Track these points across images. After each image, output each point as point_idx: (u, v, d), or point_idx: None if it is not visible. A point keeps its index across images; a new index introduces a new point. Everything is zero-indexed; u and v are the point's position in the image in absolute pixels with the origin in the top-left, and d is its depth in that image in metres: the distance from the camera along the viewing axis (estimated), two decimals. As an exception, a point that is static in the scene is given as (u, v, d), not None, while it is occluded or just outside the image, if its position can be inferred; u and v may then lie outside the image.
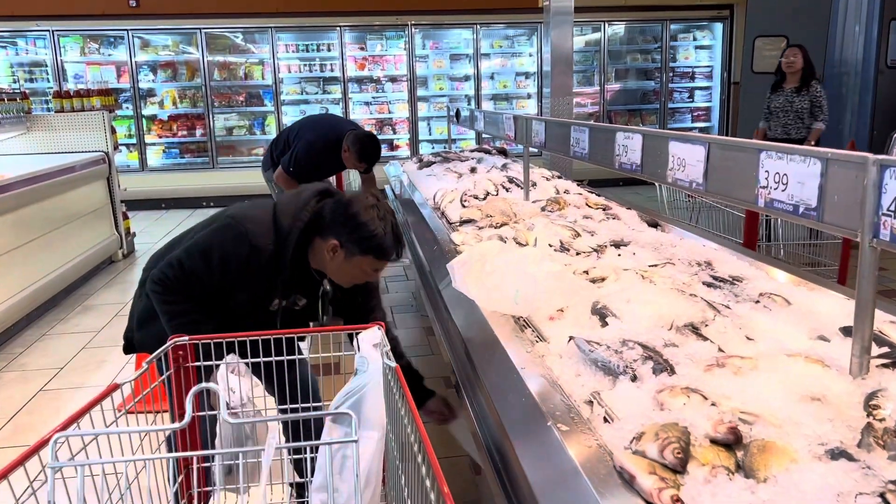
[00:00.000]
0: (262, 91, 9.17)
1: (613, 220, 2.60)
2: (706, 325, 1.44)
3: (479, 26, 9.26)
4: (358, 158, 4.04)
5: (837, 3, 8.16)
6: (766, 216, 4.38)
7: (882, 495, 0.85)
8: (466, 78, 9.55)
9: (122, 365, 3.75)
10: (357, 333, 1.38)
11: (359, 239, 1.83)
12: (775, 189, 1.29)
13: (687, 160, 1.62)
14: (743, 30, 9.27)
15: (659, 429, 1.02)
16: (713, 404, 1.09)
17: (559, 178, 3.64)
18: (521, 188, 3.18)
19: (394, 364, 1.29)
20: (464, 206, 2.93)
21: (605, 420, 1.15)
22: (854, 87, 8.24)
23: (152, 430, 1.05)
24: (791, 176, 1.25)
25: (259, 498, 1.08)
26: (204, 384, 1.02)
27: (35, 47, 8.78)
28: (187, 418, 0.98)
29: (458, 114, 5.46)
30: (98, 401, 1.10)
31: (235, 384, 1.45)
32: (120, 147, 6.83)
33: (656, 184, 4.13)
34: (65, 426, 0.99)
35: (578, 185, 3.45)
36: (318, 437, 1.92)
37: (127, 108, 8.81)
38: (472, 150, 5.04)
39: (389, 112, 9.49)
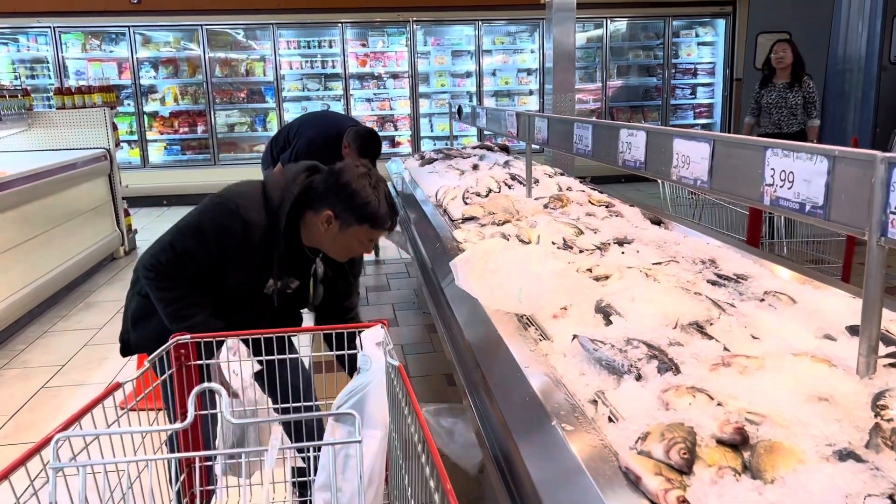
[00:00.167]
0: (264, 88, 9.17)
1: (616, 218, 2.59)
2: (711, 324, 1.43)
3: (480, 23, 9.24)
4: (359, 155, 4.02)
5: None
6: (769, 214, 4.37)
7: (891, 497, 0.84)
8: (468, 74, 9.53)
9: (123, 362, 3.74)
10: (360, 332, 1.38)
11: (353, 208, 1.81)
12: (781, 187, 1.28)
13: (691, 157, 1.61)
14: (745, 26, 9.27)
15: (664, 429, 1.01)
16: (719, 404, 1.08)
17: (562, 175, 3.63)
18: (524, 185, 3.17)
19: (397, 363, 1.28)
20: (466, 204, 2.92)
21: (610, 420, 1.14)
22: (857, 83, 8.22)
23: (154, 430, 1.04)
24: (797, 174, 1.24)
25: (262, 497, 1.08)
26: (206, 384, 1.01)
27: (36, 44, 8.78)
28: (189, 418, 0.98)
29: (459, 110, 5.44)
30: (100, 400, 1.09)
31: (237, 367, 1.45)
32: (121, 144, 6.83)
33: (659, 181, 4.11)
34: (66, 426, 0.99)
35: (581, 181, 3.44)
36: (317, 434, 1.92)
37: (128, 104, 8.81)
38: (474, 147, 5.04)
39: (391, 109, 9.48)
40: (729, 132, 7.97)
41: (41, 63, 8.80)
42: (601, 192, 3.08)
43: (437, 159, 4.44)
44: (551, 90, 5.81)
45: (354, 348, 1.58)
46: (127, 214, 6.38)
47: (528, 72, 9.67)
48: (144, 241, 6.54)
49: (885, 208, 1.05)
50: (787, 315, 1.50)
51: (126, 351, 2.06)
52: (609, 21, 9.55)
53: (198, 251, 1.82)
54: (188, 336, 1.41)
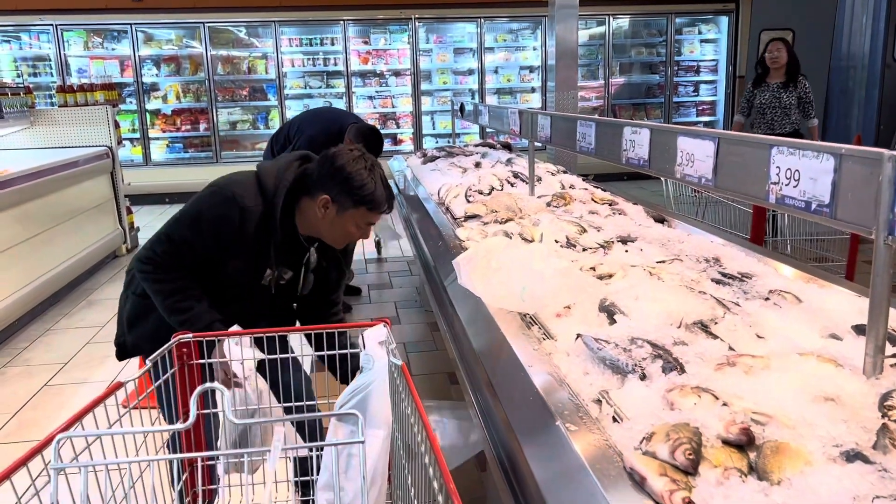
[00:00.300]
0: (266, 85, 9.16)
1: (620, 216, 2.58)
2: (716, 323, 1.42)
3: (483, 20, 9.23)
4: None
5: (844, -4, 8.12)
6: (772, 212, 4.35)
7: (899, 499, 0.83)
8: (470, 72, 9.52)
9: (125, 361, 3.74)
10: (363, 331, 1.37)
11: (349, 190, 1.80)
12: (787, 185, 1.27)
13: (696, 155, 1.60)
14: (748, 23, 9.24)
15: (670, 429, 1.01)
16: (724, 404, 1.07)
17: (564, 172, 3.62)
18: (527, 183, 3.16)
19: (399, 362, 1.28)
20: (468, 202, 2.91)
21: (615, 420, 1.13)
22: (861, 80, 8.20)
23: (156, 430, 1.04)
24: (803, 172, 1.23)
25: (264, 497, 1.07)
26: (208, 384, 1.01)
27: (39, 42, 8.77)
28: (192, 418, 0.97)
29: (462, 108, 5.43)
30: (101, 400, 1.09)
31: (239, 354, 1.45)
32: (123, 142, 6.83)
33: (662, 178, 4.11)
34: (67, 426, 0.98)
35: (584, 179, 3.43)
36: (318, 432, 1.92)
37: (130, 102, 8.81)
38: (476, 145, 5.02)
39: (393, 106, 9.47)
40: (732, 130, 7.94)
41: (43, 61, 8.80)
42: (604, 190, 3.07)
43: (439, 157, 4.43)
44: (554, 87, 5.79)
45: (344, 348, 1.59)
46: (129, 212, 6.38)
47: (531, 69, 9.65)
48: (146, 239, 6.53)
49: (893, 207, 1.04)
50: (792, 314, 1.49)
51: (123, 354, 2.04)
52: (611, 18, 9.53)
53: (195, 241, 1.81)
54: (190, 335, 1.40)
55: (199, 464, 1.42)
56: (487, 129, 5.75)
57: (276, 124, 8.96)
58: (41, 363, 3.87)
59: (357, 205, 1.82)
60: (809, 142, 1.24)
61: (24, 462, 0.89)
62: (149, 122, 8.97)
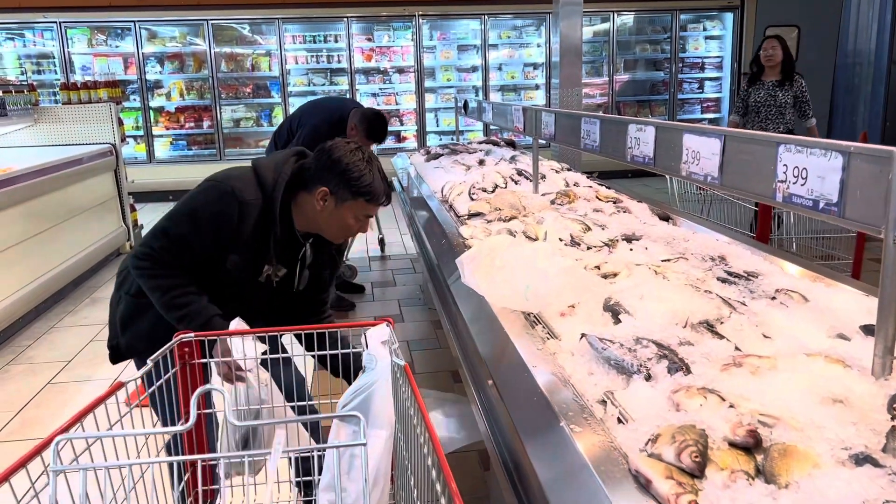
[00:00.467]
0: (270, 82, 9.16)
1: (624, 214, 2.57)
2: (722, 323, 1.41)
3: (486, 17, 9.20)
4: (366, 136, 3.97)
5: (850, -8, 8.08)
6: (777, 210, 4.33)
7: (909, 503, 0.82)
8: (474, 69, 9.50)
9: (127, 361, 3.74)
10: (366, 330, 1.36)
11: (348, 182, 1.80)
12: (794, 183, 1.26)
13: (702, 153, 1.58)
14: (754, 20, 9.20)
15: (675, 431, 0.99)
16: (731, 406, 1.05)
17: (569, 170, 3.61)
18: (531, 181, 3.14)
19: (402, 362, 1.27)
20: (472, 199, 2.90)
21: (620, 421, 1.12)
22: (867, 77, 8.16)
23: (157, 432, 1.03)
24: (811, 170, 1.21)
25: (266, 497, 1.06)
26: (209, 385, 1.00)
27: (42, 39, 8.79)
28: (192, 419, 0.96)
29: (465, 105, 5.41)
30: (101, 400, 1.08)
31: (240, 346, 1.44)
32: (127, 139, 6.83)
33: (666, 176, 4.09)
34: (67, 427, 0.98)
35: (588, 177, 3.41)
36: (317, 431, 1.91)
37: (134, 99, 8.82)
38: (480, 142, 5.00)
39: (397, 103, 9.45)
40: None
41: (47, 58, 8.81)
42: (608, 188, 3.05)
43: (442, 154, 4.42)
44: (558, 85, 5.77)
45: (336, 348, 1.58)
46: (133, 210, 6.38)
47: (535, 66, 9.62)
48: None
49: (903, 205, 1.03)
50: (799, 314, 1.47)
51: (117, 357, 1.98)
52: (616, 15, 9.49)
53: (193, 236, 1.79)
54: (192, 334, 1.39)
55: (200, 464, 1.41)
56: (491, 127, 5.74)
57: (279, 121, 8.95)
58: (45, 361, 3.88)
59: (355, 196, 1.81)
60: (817, 139, 1.22)
61: (23, 464, 0.88)
62: (152, 120, 8.98)
